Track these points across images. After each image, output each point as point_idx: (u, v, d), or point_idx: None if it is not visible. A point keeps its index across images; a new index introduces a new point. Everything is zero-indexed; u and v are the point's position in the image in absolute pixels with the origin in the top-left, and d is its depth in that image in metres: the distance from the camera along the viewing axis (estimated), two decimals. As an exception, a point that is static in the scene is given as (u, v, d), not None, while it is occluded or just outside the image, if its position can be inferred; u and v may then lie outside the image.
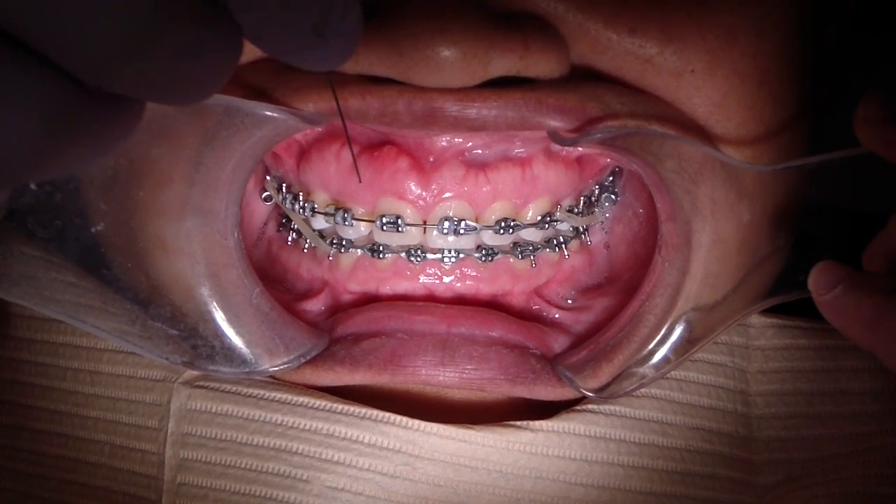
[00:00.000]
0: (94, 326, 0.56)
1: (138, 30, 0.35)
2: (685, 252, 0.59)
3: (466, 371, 0.60)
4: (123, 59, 0.36)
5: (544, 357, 0.63)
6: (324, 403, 0.60)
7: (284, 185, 0.66)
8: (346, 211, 0.63)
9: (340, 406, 0.60)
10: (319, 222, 0.65)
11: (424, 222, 0.63)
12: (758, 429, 0.65)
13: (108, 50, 0.35)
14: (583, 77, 0.57)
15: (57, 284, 0.55)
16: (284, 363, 0.59)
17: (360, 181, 0.61)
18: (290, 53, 0.42)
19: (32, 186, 0.51)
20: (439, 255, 0.64)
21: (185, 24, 0.36)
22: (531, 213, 0.64)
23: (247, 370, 0.59)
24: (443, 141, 0.62)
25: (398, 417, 0.59)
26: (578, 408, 0.62)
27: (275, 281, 0.67)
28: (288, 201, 0.65)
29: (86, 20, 0.34)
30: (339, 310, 0.65)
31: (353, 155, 0.60)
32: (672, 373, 0.63)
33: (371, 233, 0.64)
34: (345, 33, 0.42)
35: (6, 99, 0.35)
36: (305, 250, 0.66)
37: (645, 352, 0.60)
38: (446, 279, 0.65)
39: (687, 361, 0.62)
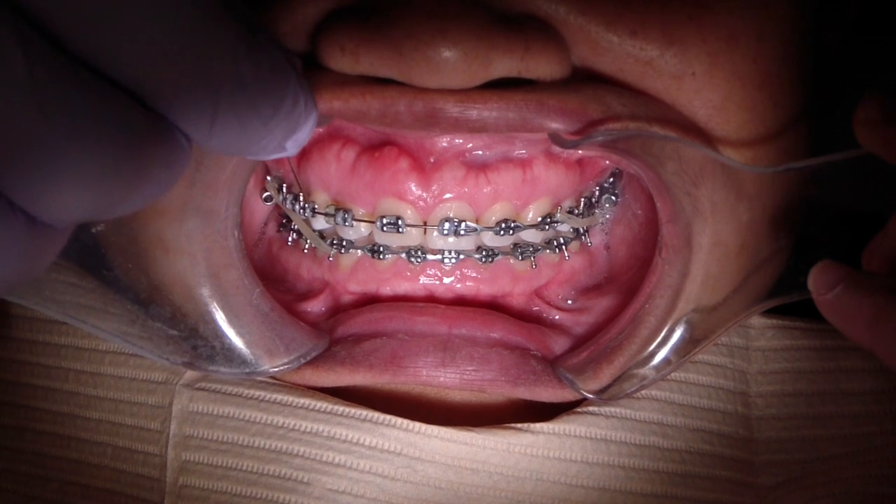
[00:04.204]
0: (94, 327, 0.56)
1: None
2: (685, 254, 0.59)
3: (467, 372, 0.60)
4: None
5: (545, 358, 0.63)
6: (325, 405, 0.60)
7: (285, 185, 0.66)
8: (346, 211, 0.63)
9: (341, 408, 0.60)
10: (320, 223, 0.65)
11: (425, 223, 0.63)
12: (758, 430, 0.65)
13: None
14: (584, 79, 0.57)
15: (57, 285, 0.55)
16: (285, 364, 0.59)
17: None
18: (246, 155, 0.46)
19: None
20: (439, 256, 0.64)
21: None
22: (531, 215, 0.64)
23: (247, 371, 0.59)
24: (443, 142, 0.62)
25: (399, 420, 0.59)
26: (579, 409, 0.63)
27: (275, 281, 0.67)
28: (288, 202, 0.65)
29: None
30: (339, 310, 0.65)
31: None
32: (672, 374, 0.63)
33: (371, 233, 0.64)
34: (299, 125, 0.45)
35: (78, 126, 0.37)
36: (306, 251, 0.66)
37: (645, 353, 0.60)
38: (446, 280, 0.65)
39: (687, 363, 0.62)
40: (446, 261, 0.64)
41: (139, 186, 0.40)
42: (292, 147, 0.48)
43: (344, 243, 0.64)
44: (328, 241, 0.65)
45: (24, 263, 0.40)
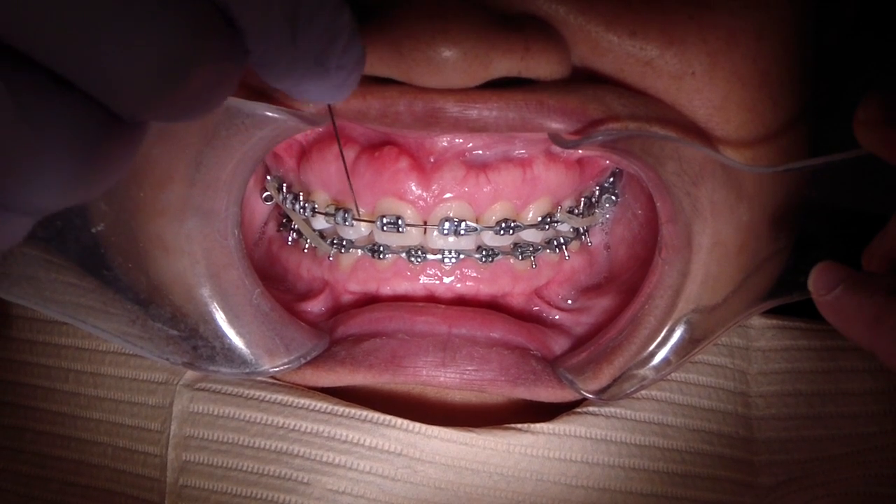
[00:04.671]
0: (94, 327, 0.56)
1: (176, 68, 0.37)
2: (685, 254, 0.59)
3: (467, 372, 0.60)
4: (160, 95, 0.38)
5: (545, 358, 0.63)
6: (325, 406, 0.60)
7: (285, 185, 0.66)
8: (346, 211, 0.63)
9: (341, 409, 0.60)
10: (320, 222, 0.65)
11: (425, 223, 0.63)
12: (758, 430, 0.65)
13: (148, 88, 0.37)
14: (584, 79, 0.57)
15: (57, 285, 0.55)
16: (285, 364, 0.59)
17: (352, 190, 0.62)
18: (293, 86, 0.44)
19: None
20: (439, 256, 0.64)
21: (212, 57, 0.38)
22: (532, 214, 0.64)
23: (247, 371, 0.59)
24: (443, 141, 0.62)
25: (399, 420, 0.60)
26: (579, 410, 0.63)
27: (275, 281, 0.67)
28: (288, 201, 0.65)
29: (128, 64, 0.36)
30: (339, 310, 0.65)
31: (344, 164, 0.61)
32: (672, 374, 0.63)
33: (371, 233, 0.64)
34: (347, 67, 0.43)
35: (49, 130, 0.36)
36: (306, 250, 0.66)
37: (645, 353, 0.60)
38: (446, 280, 0.65)
39: (687, 363, 0.62)
40: (446, 260, 0.64)
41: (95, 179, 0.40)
42: (344, 91, 0.47)
43: (344, 243, 0.64)
44: (328, 241, 0.65)
45: None
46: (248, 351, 0.58)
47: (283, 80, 0.44)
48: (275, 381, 0.62)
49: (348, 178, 0.61)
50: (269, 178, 0.66)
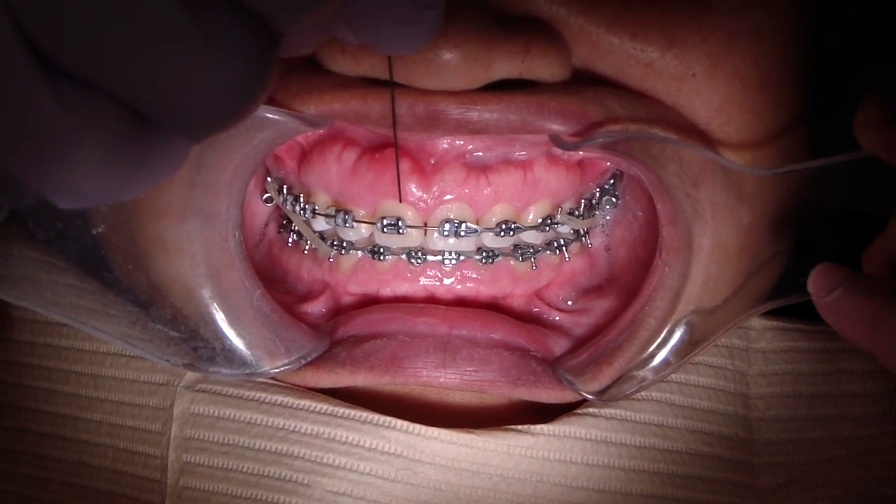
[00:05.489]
0: (95, 328, 0.56)
1: (248, 94, 0.39)
2: (686, 255, 0.59)
3: (467, 373, 0.60)
4: (230, 121, 0.39)
5: (545, 359, 0.63)
6: (325, 407, 0.60)
7: (285, 186, 0.66)
8: (346, 213, 0.63)
9: (341, 410, 0.60)
10: (320, 224, 0.65)
11: (425, 224, 0.63)
12: (758, 431, 0.65)
13: (219, 117, 0.39)
14: (584, 81, 0.57)
15: (58, 286, 0.55)
16: (285, 365, 0.59)
17: (401, 200, 0.62)
18: (385, 35, 0.44)
19: None
20: (440, 258, 0.64)
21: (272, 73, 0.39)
22: (532, 216, 0.64)
23: (248, 372, 0.59)
24: (444, 143, 0.62)
25: (399, 422, 0.59)
26: (579, 411, 0.62)
27: (275, 283, 0.67)
28: (289, 203, 0.65)
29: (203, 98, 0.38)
30: (339, 312, 0.65)
31: (398, 170, 0.61)
32: (672, 376, 0.63)
33: (372, 235, 0.64)
34: (437, 7, 0.43)
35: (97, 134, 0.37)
36: (306, 252, 0.66)
37: (645, 355, 0.60)
38: (447, 281, 0.65)
39: (687, 364, 0.62)
40: (447, 262, 0.64)
41: (135, 175, 0.40)
42: (433, 32, 0.46)
43: (344, 244, 0.64)
44: (328, 243, 0.65)
45: None
46: (249, 352, 0.58)
47: (377, 29, 0.43)
48: (275, 383, 0.62)
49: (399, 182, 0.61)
50: (269, 179, 0.66)
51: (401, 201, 0.62)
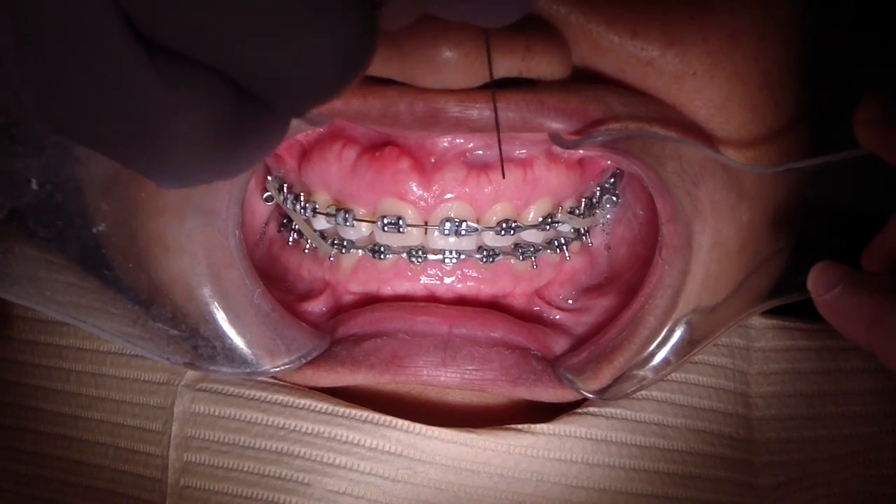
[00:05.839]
0: (95, 327, 0.56)
1: (352, 68, 0.37)
2: (686, 254, 0.59)
3: (468, 372, 0.60)
4: (334, 93, 0.38)
5: (545, 358, 0.63)
6: (325, 406, 0.60)
7: (286, 185, 0.66)
8: (347, 211, 0.63)
9: (342, 409, 0.60)
10: (321, 223, 0.65)
11: (426, 223, 0.63)
12: (758, 430, 0.65)
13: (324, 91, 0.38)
14: (584, 79, 0.57)
15: (58, 285, 0.55)
16: (285, 364, 0.59)
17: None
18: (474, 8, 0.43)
19: (34, 186, 0.51)
20: (440, 256, 0.64)
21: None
22: (532, 215, 0.64)
23: (248, 371, 0.59)
24: (444, 142, 0.62)
25: (399, 421, 0.59)
26: (579, 410, 0.62)
27: (276, 281, 0.67)
28: (289, 202, 0.65)
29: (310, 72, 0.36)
30: (340, 310, 0.65)
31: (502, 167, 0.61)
32: (672, 375, 0.63)
33: (372, 233, 0.64)
34: None
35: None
36: (306, 251, 0.66)
37: (645, 353, 0.60)
38: (447, 280, 0.65)
39: (687, 363, 0.62)
40: (447, 261, 0.64)
41: (238, 154, 0.39)
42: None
43: (345, 243, 0.64)
44: (329, 241, 0.65)
45: None
46: (249, 351, 0.58)
47: (469, 2, 0.43)
48: (275, 382, 0.62)
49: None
50: (269, 178, 0.66)
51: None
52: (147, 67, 0.35)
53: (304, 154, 0.64)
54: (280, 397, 0.61)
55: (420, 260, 0.64)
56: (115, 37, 0.34)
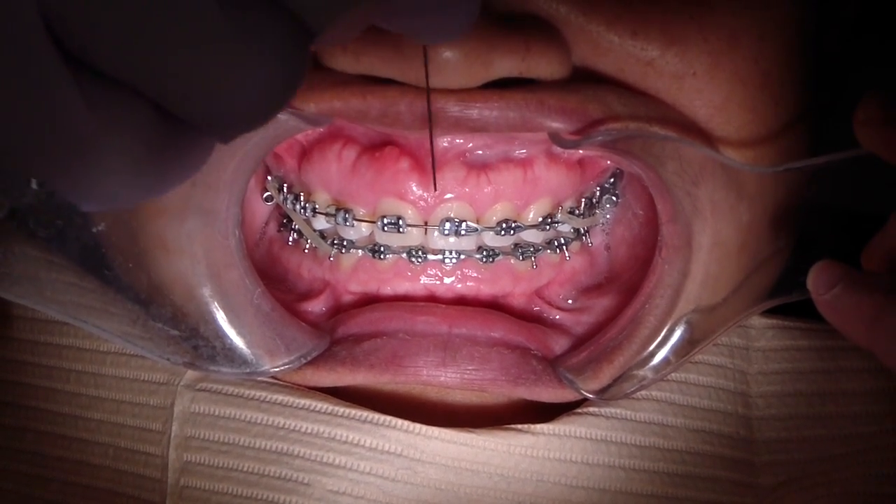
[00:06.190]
0: (95, 327, 0.56)
1: (284, 92, 0.38)
2: (686, 253, 0.59)
3: (468, 372, 0.60)
4: (264, 118, 0.38)
5: (545, 358, 0.63)
6: (325, 406, 0.60)
7: (285, 185, 0.66)
8: (347, 211, 0.63)
9: (342, 409, 0.60)
10: (320, 223, 0.65)
11: (425, 223, 0.63)
12: (758, 430, 0.65)
13: (253, 116, 0.38)
14: (584, 79, 0.57)
15: (58, 285, 0.55)
16: (285, 364, 0.59)
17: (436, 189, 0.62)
18: (420, 23, 0.42)
19: (34, 186, 0.51)
20: (440, 256, 0.64)
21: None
22: (532, 215, 0.64)
23: (248, 370, 0.59)
24: (444, 142, 0.62)
25: (399, 421, 0.59)
26: (579, 410, 0.62)
27: (276, 281, 0.67)
28: (289, 202, 0.65)
29: (238, 97, 0.37)
30: (340, 310, 0.65)
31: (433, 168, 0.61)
32: (672, 375, 0.63)
33: (372, 233, 0.64)
34: None
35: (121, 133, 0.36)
36: (306, 251, 0.66)
37: (645, 353, 0.60)
38: (447, 280, 0.65)
39: (687, 363, 0.62)
40: (447, 261, 0.64)
41: (162, 176, 0.39)
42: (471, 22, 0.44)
43: (345, 243, 0.64)
44: (329, 241, 0.65)
45: None
46: (249, 351, 0.58)
47: (417, 18, 0.42)
48: (275, 382, 0.62)
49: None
50: (269, 178, 0.66)
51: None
52: (72, 89, 0.35)
53: (304, 154, 0.64)
54: (280, 397, 0.61)
55: (420, 260, 0.64)
56: (40, 54, 0.34)
